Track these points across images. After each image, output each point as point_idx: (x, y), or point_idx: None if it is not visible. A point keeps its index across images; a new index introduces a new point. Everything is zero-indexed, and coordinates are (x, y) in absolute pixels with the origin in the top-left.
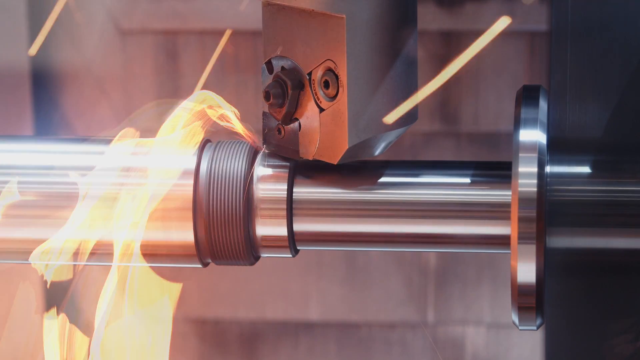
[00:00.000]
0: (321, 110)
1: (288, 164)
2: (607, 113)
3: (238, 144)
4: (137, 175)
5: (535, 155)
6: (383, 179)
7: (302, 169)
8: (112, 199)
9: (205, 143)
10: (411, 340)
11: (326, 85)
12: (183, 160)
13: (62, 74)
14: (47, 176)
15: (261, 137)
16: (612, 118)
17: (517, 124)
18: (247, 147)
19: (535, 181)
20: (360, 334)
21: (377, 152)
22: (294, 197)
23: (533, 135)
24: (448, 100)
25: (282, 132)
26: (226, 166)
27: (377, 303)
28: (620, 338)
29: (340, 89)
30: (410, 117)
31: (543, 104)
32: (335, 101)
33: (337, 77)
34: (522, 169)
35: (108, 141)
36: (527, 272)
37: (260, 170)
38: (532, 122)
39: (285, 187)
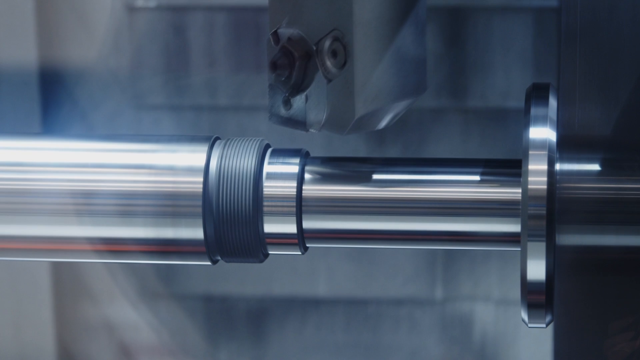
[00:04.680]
0: (329, 80)
1: (298, 160)
2: (617, 110)
3: (247, 141)
4: (147, 172)
5: (545, 152)
6: (393, 176)
7: (312, 165)
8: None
9: (214, 140)
10: (420, 317)
11: (334, 55)
12: (192, 157)
13: (71, 66)
14: (61, 174)
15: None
16: (622, 115)
17: (527, 121)
18: (257, 145)
19: (545, 179)
20: (368, 310)
21: (384, 124)
22: (303, 195)
23: (543, 133)
24: (455, 75)
25: (289, 104)
26: (236, 163)
27: (385, 279)
28: (623, 336)
29: (348, 59)
30: (419, 87)
31: (552, 102)
32: (343, 71)
33: (344, 46)
34: (532, 166)
35: (116, 138)
36: (536, 269)
37: (270, 167)
38: (542, 120)
39: (294, 184)
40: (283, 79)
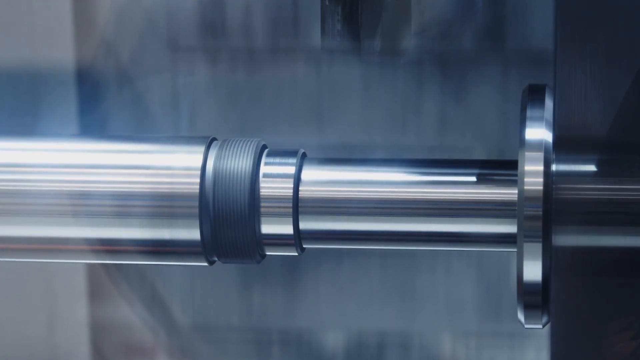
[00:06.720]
0: None
1: (294, 161)
2: (614, 111)
3: (244, 142)
4: (144, 173)
5: (542, 153)
6: (390, 177)
7: (309, 166)
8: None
9: (211, 141)
10: (456, 263)
11: None
12: (189, 158)
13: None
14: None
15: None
16: (618, 116)
17: (523, 122)
18: (254, 145)
19: (541, 180)
20: (404, 255)
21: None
22: (300, 195)
23: (539, 134)
24: (495, 17)
25: (343, 20)
26: (232, 164)
27: None
28: (621, 336)
29: None
30: (473, 6)
31: (549, 103)
32: None
33: None
34: (528, 167)
35: (112, 138)
36: (533, 270)
37: (267, 168)
38: (538, 121)
39: (291, 185)
40: None
